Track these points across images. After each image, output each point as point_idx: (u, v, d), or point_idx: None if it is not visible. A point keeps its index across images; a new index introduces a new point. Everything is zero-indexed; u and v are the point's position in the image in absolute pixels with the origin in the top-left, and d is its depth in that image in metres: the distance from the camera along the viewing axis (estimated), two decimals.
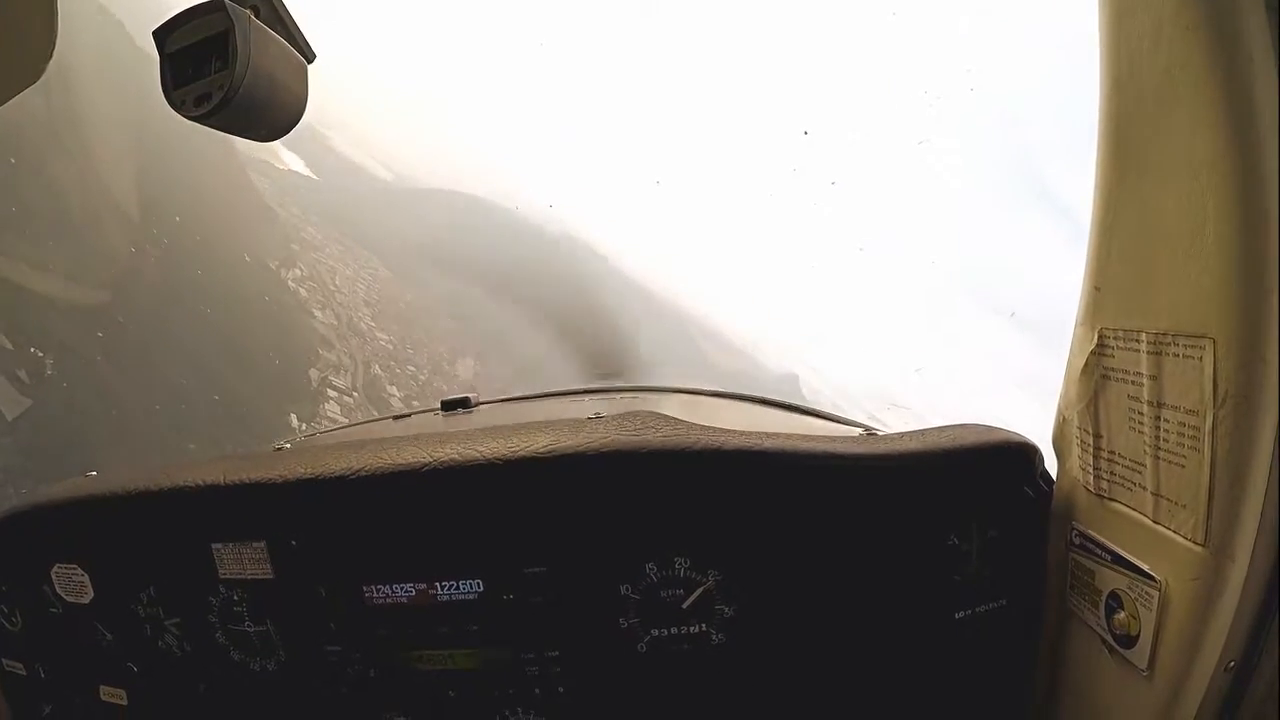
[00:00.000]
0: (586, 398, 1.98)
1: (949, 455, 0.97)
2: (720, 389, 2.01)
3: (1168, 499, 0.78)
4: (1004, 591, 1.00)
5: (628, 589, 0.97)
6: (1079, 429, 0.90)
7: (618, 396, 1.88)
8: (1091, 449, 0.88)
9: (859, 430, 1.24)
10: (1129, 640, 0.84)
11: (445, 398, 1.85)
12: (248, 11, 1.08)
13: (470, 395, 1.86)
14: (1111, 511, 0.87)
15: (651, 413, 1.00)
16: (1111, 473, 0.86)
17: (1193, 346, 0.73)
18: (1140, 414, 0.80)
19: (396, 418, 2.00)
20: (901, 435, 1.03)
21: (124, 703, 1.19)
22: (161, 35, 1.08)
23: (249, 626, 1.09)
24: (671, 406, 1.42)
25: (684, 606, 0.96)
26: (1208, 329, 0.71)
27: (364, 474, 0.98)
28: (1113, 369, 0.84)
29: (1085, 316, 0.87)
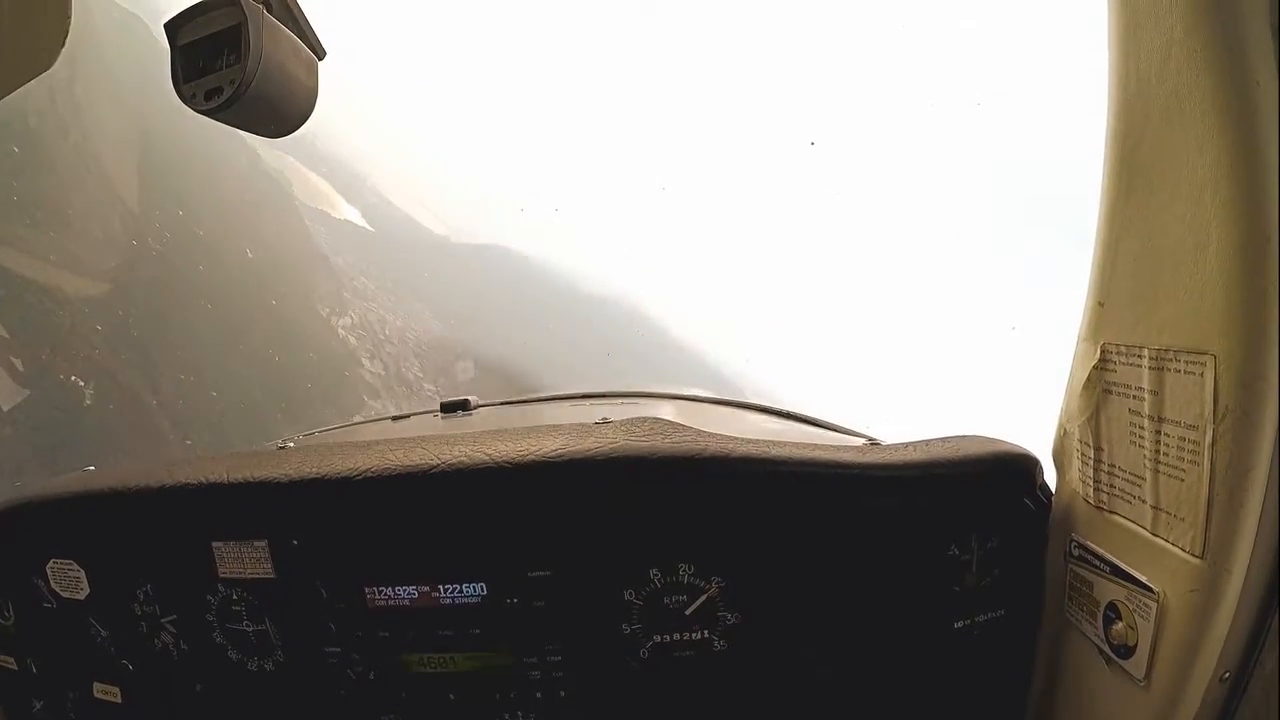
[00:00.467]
0: (586, 402, 1.98)
1: (953, 466, 0.98)
2: (718, 395, 2.02)
3: (1166, 512, 0.80)
4: (1002, 601, 1.02)
5: (631, 594, 0.97)
6: (1080, 442, 0.92)
7: (618, 401, 1.89)
8: (1092, 462, 0.90)
9: (861, 439, 1.25)
10: (1126, 650, 0.85)
11: (444, 399, 1.85)
12: (260, 6, 1.08)
13: (469, 398, 1.85)
14: (1110, 523, 0.88)
15: (658, 418, 1.01)
16: (1111, 485, 0.88)
17: (1194, 363, 0.74)
18: (1141, 428, 0.82)
19: (395, 418, 1.99)
20: (905, 445, 1.04)
21: (118, 700, 1.18)
22: (173, 28, 1.07)
23: (247, 626, 1.08)
24: (672, 412, 1.43)
25: (687, 613, 0.96)
26: (1209, 346, 0.73)
27: (370, 475, 0.97)
28: (1114, 383, 0.85)
29: (1088, 331, 0.89)
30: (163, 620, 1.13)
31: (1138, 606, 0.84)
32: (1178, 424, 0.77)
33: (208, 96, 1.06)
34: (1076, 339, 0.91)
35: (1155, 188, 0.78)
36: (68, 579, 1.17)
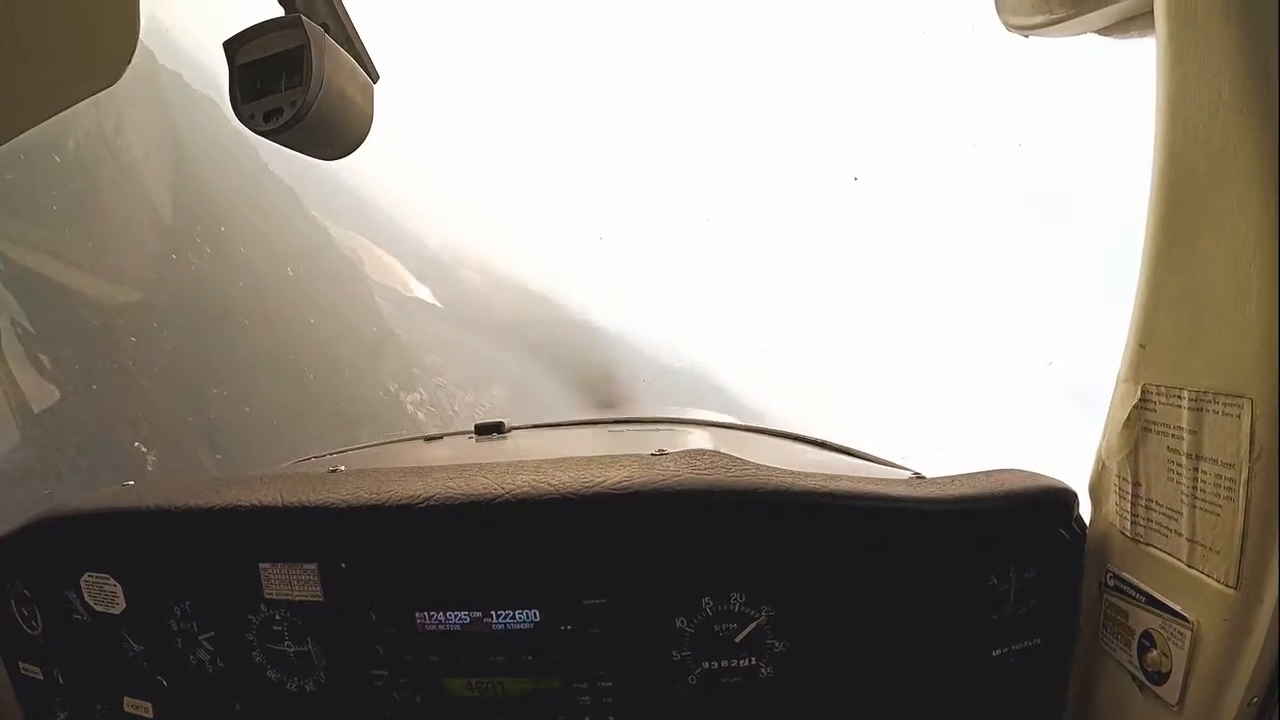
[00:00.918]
0: (621, 427, 1.99)
1: (997, 499, 1.01)
2: (751, 424, 2.05)
3: (1202, 544, 0.84)
4: (1038, 630, 1.05)
5: (683, 622, 0.98)
6: (1118, 477, 0.96)
7: (651, 428, 1.90)
8: (1130, 496, 0.94)
9: (904, 472, 1.29)
10: (1160, 677, 0.89)
11: (479, 421, 1.85)
12: (320, 29, 1.09)
13: (503, 420, 1.86)
14: (1147, 555, 0.92)
15: (716, 451, 1.03)
16: (1148, 519, 0.92)
17: (1232, 405, 0.79)
18: (1179, 465, 0.86)
19: (428, 439, 1.98)
20: (951, 479, 1.07)
21: (149, 715, 1.17)
22: (232, 48, 1.08)
23: (289, 646, 1.08)
24: (712, 441, 1.44)
25: (736, 640, 0.98)
26: (1247, 390, 0.77)
27: (434, 503, 0.97)
28: (1154, 422, 0.90)
29: (1129, 372, 0.93)
30: (200, 637, 1.12)
31: (1172, 635, 0.88)
32: (1215, 462, 0.81)
33: (267, 118, 1.07)
34: (1116, 379, 0.95)
35: (1199, 238, 0.82)
36: (103, 593, 1.16)
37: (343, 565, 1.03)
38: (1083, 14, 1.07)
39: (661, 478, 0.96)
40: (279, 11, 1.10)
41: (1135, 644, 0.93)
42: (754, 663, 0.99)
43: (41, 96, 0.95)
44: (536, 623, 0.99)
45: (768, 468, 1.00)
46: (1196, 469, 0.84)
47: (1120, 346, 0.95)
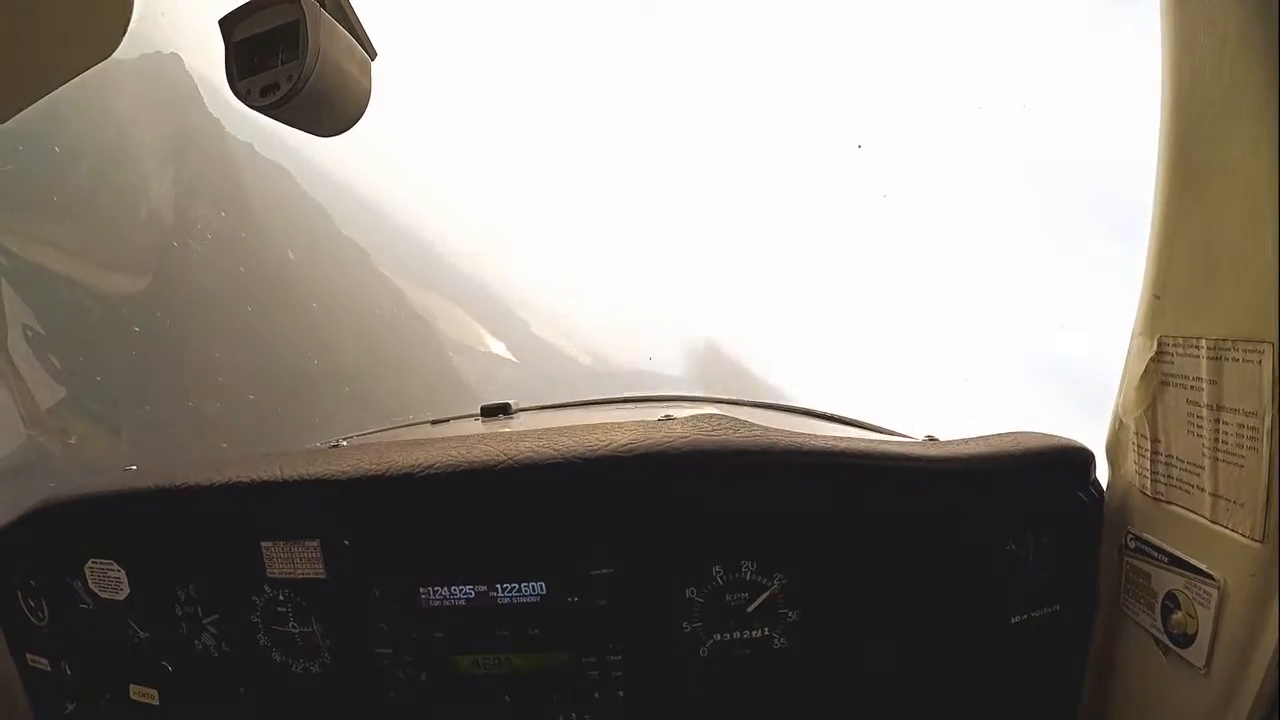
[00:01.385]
0: (630, 405, 1.98)
1: (1014, 459, 0.99)
2: (757, 400, 2.03)
3: (1226, 499, 0.82)
4: (1058, 596, 1.02)
5: (693, 592, 0.96)
6: (1136, 435, 0.94)
7: (662, 404, 1.88)
8: (1149, 453, 0.91)
9: (918, 438, 1.26)
10: (1186, 639, 0.87)
11: (485, 404, 1.83)
12: (316, 3, 1.09)
13: (510, 402, 1.84)
14: (1168, 514, 0.90)
15: (723, 415, 1.01)
16: (1169, 476, 0.89)
17: (1252, 351, 0.76)
18: (1199, 417, 0.84)
19: (434, 422, 1.96)
20: (965, 440, 1.05)
21: (155, 702, 1.16)
22: (228, 24, 1.08)
23: (293, 627, 1.07)
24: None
25: (749, 610, 0.96)
26: (1267, 334, 0.74)
27: (435, 470, 0.96)
28: (1172, 375, 0.87)
29: (1144, 325, 0.91)
30: (204, 620, 1.11)
31: (1197, 595, 0.85)
32: (1237, 411, 0.79)
33: (263, 93, 1.06)
34: (1131, 334, 0.93)
35: (1210, 183, 0.80)
36: (107, 580, 1.15)
37: (346, 542, 1.02)
38: None
39: (668, 439, 0.94)
40: None
41: (1159, 607, 0.91)
42: (767, 633, 0.97)
43: (35, 72, 0.95)
44: (543, 595, 0.97)
45: (777, 429, 0.97)
46: (1218, 420, 0.81)
47: (1134, 304, 0.92)
